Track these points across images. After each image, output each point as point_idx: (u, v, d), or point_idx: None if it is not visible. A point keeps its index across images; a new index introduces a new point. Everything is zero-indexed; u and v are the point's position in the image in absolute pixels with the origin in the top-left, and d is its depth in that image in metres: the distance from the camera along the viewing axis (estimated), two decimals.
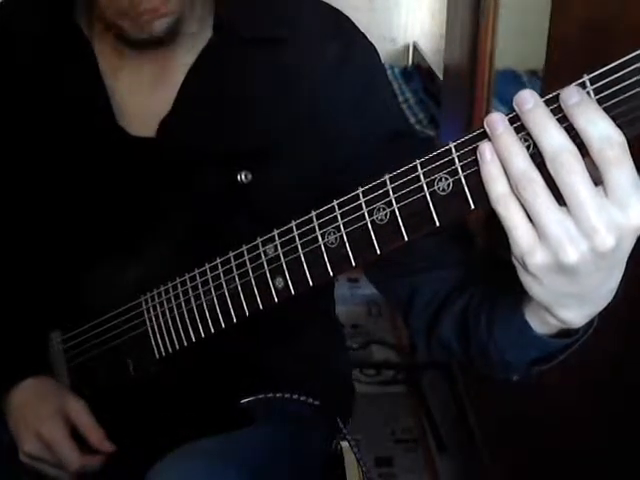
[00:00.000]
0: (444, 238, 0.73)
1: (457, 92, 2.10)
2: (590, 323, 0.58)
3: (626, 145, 0.46)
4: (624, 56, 0.46)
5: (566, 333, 0.60)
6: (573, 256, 0.48)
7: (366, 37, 0.81)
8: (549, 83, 1.34)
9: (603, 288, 0.53)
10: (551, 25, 1.30)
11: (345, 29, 0.80)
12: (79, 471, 0.82)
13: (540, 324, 0.59)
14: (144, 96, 0.79)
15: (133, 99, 0.79)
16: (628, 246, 0.49)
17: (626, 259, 0.51)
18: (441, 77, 2.53)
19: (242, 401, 0.85)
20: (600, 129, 0.46)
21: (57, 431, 0.81)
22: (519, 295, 0.59)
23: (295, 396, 0.90)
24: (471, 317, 0.69)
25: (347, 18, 0.81)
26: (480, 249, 0.77)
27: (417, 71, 3.30)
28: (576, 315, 0.55)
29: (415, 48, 3.38)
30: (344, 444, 0.98)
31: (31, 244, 0.84)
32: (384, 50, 3.25)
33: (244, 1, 0.76)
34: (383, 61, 0.82)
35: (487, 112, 1.76)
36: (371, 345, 2.25)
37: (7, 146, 0.82)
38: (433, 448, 1.88)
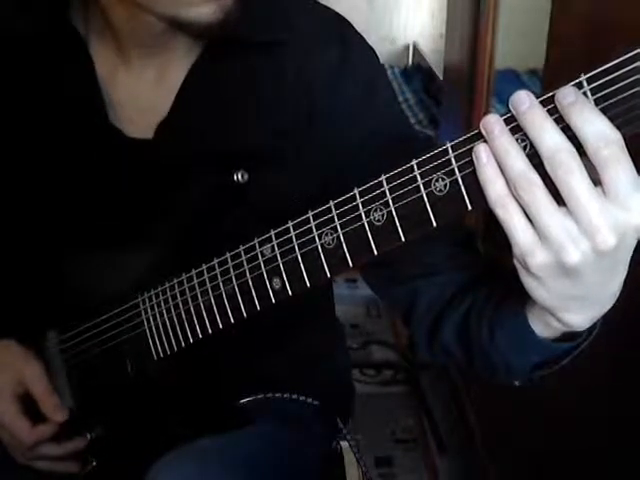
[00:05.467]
0: (443, 243, 0.73)
1: (457, 92, 2.10)
2: (593, 326, 0.58)
3: (623, 144, 0.46)
4: (622, 55, 0.45)
5: (569, 337, 0.59)
6: (574, 256, 0.48)
7: (365, 40, 0.81)
8: (549, 83, 1.34)
9: (606, 289, 0.53)
10: (551, 25, 1.30)
11: (345, 32, 0.80)
12: (35, 444, 0.82)
13: (543, 328, 0.58)
14: (142, 98, 0.79)
15: (131, 101, 0.79)
16: (630, 245, 0.49)
17: (628, 259, 0.51)
18: (441, 77, 2.53)
19: (241, 401, 0.85)
20: (596, 128, 0.46)
21: (7, 410, 0.82)
22: (521, 299, 0.58)
23: (295, 396, 0.90)
24: (473, 322, 0.68)
25: (347, 21, 0.81)
26: (481, 254, 0.76)
27: (417, 71, 3.30)
28: (580, 318, 0.54)
29: (415, 48, 3.38)
30: (344, 444, 0.98)
31: (28, 243, 0.84)
32: (384, 50, 3.25)
33: (243, 4, 0.76)
34: (383, 61, 0.82)
35: (487, 112, 1.76)
36: (371, 345, 2.25)
37: (2, 145, 0.82)
38: (433, 448, 1.88)
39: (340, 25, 0.81)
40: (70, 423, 0.83)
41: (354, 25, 0.81)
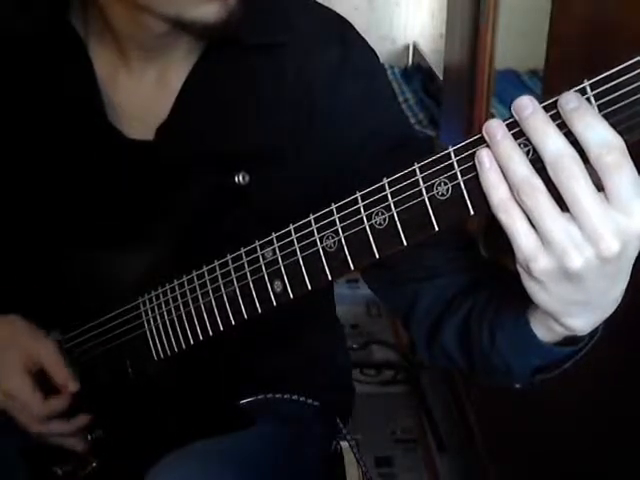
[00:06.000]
0: (445, 246, 0.73)
1: (457, 92, 2.10)
2: (595, 330, 0.57)
3: (625, 150, 0.46)
4: (624, 56, 0.45)
5: (570, 341, 0.59)
6: (577, 262, 0.48)
7: (366, 41, 0.81)
8: (549, 83, 1.34)
9: (608, 295, 0.53)
10: (551, 25, 1.30)
11: (345, 33, 0.80)
12: (48, 417, 0.81)
13: (545, 332, 0.58)
14: (143, 99, 0.79)
15: (132, 102, 0.79)
16: (633, 251, 0.49)
17: (631, 265, 0.51)
18: (441, 77, 2.53)
19: (242, 402, 0.85)
20: (598, 134, 0.46)
21: (20, 383, 0.80)
22: (523, 303, 0.58)
23: (295, 397, 0.90)
24: (473, 325, 0.68)
25: (347, 22, 0.81)
26: (482, 257, 0.76)
27: (417, 71, 3.30)
28: (582, 322, 0.54)
29: (415, 48, 3.38)
30: (344, 444, 0.98)
31: (29, 243, 0.84)
32: (384, 50, 3.25)
33: (244, 6, 0.76)
34: (383, 61, 0.82)
35: (487, 112, 1.76)
36: (371, 345, 2.25)
37: (2, 146, 0.82)
38: (433, 448, 1.88)
39: (340, 25, 0.81)
40: (78, 398, 0.82)
41: (354, 25, 0.81)
